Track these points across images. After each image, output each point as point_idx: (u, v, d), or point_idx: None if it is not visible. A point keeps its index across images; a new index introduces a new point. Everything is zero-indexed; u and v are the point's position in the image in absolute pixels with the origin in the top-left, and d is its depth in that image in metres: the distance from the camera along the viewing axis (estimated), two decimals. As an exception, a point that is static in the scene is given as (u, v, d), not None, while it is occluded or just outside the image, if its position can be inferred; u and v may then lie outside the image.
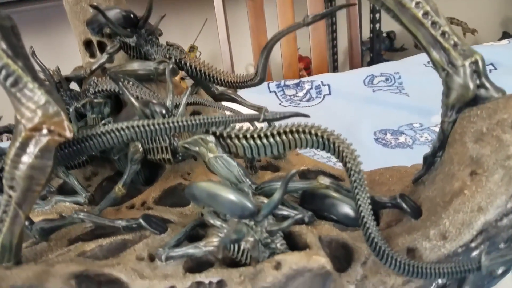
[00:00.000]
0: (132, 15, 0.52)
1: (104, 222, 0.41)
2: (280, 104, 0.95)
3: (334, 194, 0.40)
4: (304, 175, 0.53)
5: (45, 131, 0.30)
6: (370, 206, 0.34)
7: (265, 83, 1.02)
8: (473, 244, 0.32)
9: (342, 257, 0.37)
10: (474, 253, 0.33)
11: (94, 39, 0.59)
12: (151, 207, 0.49)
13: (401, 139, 0.76)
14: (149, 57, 0.53)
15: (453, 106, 0.35)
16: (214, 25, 1.33)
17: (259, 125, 0.44)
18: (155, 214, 0.47)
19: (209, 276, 0.35)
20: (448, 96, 0.35)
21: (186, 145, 0.41)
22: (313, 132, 0.37)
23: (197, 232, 0.40)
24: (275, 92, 0.98)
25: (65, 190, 0.54)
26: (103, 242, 0.41)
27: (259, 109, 0.55)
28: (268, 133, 0.39)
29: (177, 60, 0.51)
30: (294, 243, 0.37)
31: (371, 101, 0.91)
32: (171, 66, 0.48)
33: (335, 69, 2.30)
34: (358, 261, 0.35)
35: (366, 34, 2.11)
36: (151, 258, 0.38)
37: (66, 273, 0.33)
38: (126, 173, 0.45)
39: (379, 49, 2.13)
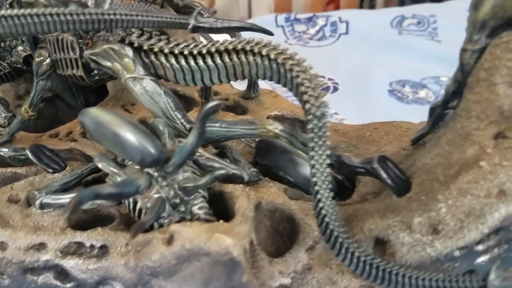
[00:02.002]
0: None
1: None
2: (285, 41, 0.81)
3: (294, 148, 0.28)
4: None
5: None
6: (327, 169, 0.22)
7: (273, 14, 0.88)
8: (480, 247, 0.20)
9: (286, 235, 0.26)
10: (480, 260, 0.21)
11: None
12: (76, 139, 0.39)
13: (422, 93, 0.62)
14: None
15: (483, 24, 0.22)
16: None
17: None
18: (76, 147, 0.36)
19: (92, 238, 0.25)
20: (478, 7, 0.22)
21: (94, 57, 0.30)
22: (264, 53, 0.25)
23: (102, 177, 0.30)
24: (282, 27, 0.84)
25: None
26: (-15, 174, 0.31)
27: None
28: (204, 51, 0.26)
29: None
30: (225, 208, 0.26)
31: (394, 45, 0.76)
32: None
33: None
34: (302, 244, 0.24)
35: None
36: (30, 202, 0.28)
37: None
38: (33, 90, 0.34)
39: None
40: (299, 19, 0.85)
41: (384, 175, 0.24)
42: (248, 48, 0.26)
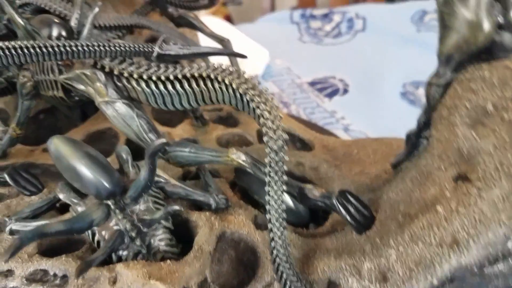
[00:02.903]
0: None
1: (-33, 170, 0.32)
2: (299, 39, 0.79)
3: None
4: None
5: None
6: (282, 206, 0.21)
7: (288, 11, 0.86)
8: (432, 297, 0.19)
9: (250, 266, 0.26)
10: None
11: None
12: (67, 152, 0.39)
13: (434, 96, 0.59)
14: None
15: (448, 58, 0.21)
16: None
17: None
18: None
19: (56, 266, 0.25)
20: (442, 40, 0.20)
21: (68, 81, 0.30)
22: (227, 81, 0.24)
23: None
24: (297, 23, 0.82)
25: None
26: (-32, 194, 0.32)
27: (221, 40, 0.41)
28: (171, 77, 0.26)
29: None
30: (191, 236, 0.26)
31: (411, 43, 0.72)
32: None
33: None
34: (260, 281, 0.23)
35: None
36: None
37: None
38: (19, 110, 0.35)
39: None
40: (315, 16, 0.83)
41: (342, 211, 0.23)
42: (212, 75, 0.25)
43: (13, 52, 0.23)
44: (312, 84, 0.66)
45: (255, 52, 0.69)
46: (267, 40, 0.74)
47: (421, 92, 0.61)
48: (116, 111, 0.29)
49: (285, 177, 0.22)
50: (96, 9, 0.33)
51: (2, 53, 0.23)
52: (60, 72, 0.32)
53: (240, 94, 0.24)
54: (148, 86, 0.27)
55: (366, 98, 0.61)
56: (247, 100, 0.24)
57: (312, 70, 0.70)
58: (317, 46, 0.77)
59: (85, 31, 0.33)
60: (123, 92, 0.29)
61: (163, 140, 0.23)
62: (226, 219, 0.26)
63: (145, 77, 0.27)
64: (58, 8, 0.38)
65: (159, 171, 0.28)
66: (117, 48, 0.25)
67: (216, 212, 0.27)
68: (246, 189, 0.31)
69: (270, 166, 0.22)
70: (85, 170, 0.24)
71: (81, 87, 0.29)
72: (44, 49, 0.23)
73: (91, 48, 0.24)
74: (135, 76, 0.27)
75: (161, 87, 0.27)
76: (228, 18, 1.89)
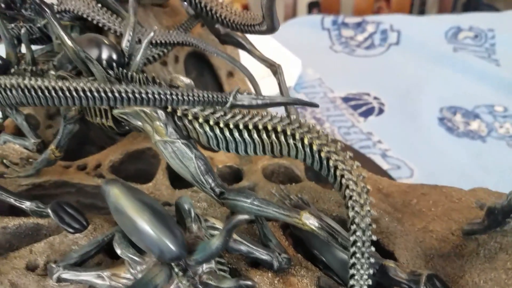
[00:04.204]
0: None
1: (10, 200, 0.30)
2: (330, 47, 0.77)
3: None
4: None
5: None
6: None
7: (320, 16, 0.83)
8: None
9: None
10: None
11: None
12: (103, 175, 0.38)
13: (474, 125, 0.57)
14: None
15: None
16: None
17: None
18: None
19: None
20: None
21: (124, 116, 0.28)
22: (306, 141, 0.23)
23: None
24: (328, 30, 0.79)
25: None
26: (9, 223, 0.31)
27: (271, 65, 0.39)
28: (241, 125, 0.24)
29: (164, -21, 0.36)
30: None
31: (448, 63, 0.70)
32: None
33: (421, 5, 1.93)
34: None
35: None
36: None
37: None
38: (60, 133, 0.33)
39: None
40: (347, 24, 0.80)
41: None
42: (289, 131, 0.23)
43: (81, 94, 0.21)
44: (346, 100, 0.64)
45: (288, 61, 0.67)
46: (298, 47, 0.71)
47: (458, 118, 0.59)
48: (174, 152, 0.27)
49: (372, 259, 0.20)
50: (151, 34, 0.31)
51: (68, 95, 0.21)
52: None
53: (320, 157, 0.23)
54: (212, 130, 0.26)
55: (403, 121, 0.59)
56: (328, 164, 0.22)
57: (345, 83, 0.68)
58: (349, 57, 0.75)
59: (139, 57, 0.30)
60: (182, 132, 0.27)
61: (246, 217, 0.21)
62: (289, 282, 0.25)
63: (211, 122, 0.25)
64: (102, 19, 0.36)
65: (217, 222, 0.26)
66: (191, 98, 0.23)
67: (277, 272, 0.25)
68: (302, 239, 0.29)
69: (355, 245, 0.21)
70: (148, 228, 0.22)
71: (138, 123, 0.28)
72: (116, 94, 0.21)
73: (163, 96, 0.22)
74: (201, 120, 0.26)
75: (227, 133, 0.25)
76: (246, 7, 1.85)
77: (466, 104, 0.62)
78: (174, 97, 0.23)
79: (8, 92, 0.22)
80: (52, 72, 0.36)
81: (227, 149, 0.26)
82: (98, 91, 0.21)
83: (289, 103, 0.27)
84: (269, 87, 0.44)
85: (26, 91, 0.22)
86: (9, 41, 0.35)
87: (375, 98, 0.64)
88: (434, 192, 0.34)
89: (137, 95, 0.22)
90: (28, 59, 0.35)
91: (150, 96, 0.22)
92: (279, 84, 0.39)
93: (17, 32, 0.40)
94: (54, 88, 0.21)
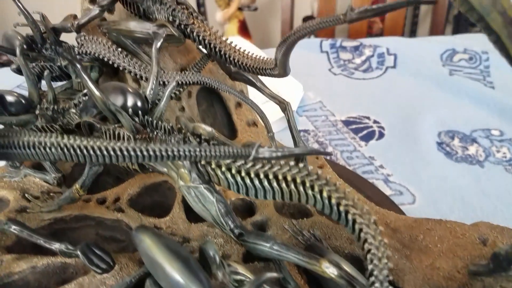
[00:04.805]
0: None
1: (39, 241, 0.32)
2: (329, 70, 0.79)
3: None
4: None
5: None
6: None
7: (318, 39, 0.85)
8: None
9: None
10: None
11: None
12: (123, 209, 0.39)
13: (471, 150, 0.59)
14: (150, 16, 0.39)
15: None
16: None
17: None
18: (123, 219, 0.37)
19: None
20: None
21: (151, 164, 0.30)
22: (325, 193, 0.24)
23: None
24: (327, 53, 0.82)
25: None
26: (38, 263, 0.32)
27: (280, 103, 0.41)
28: (261, 174, 0.26)
29: (182, 26, 0.37)
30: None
31: (445, 87, 0.72)
32: (164, 34, 0.35)
33: (412, 25, 1.97)
34: None
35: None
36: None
37: None
38: (85, 174, 0.34)
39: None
40: (345, 47, 0.82)
41: None
42: (308, 183, 0.25)
43: (119, 153, 0.22)
44: (347, 123, 0.66)
45: (290, 85, 0.69)
46: (298, 69, 0.73)
47: (456, 143, 0.61)
48: (197, 196, 0.29)
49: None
50: (174, 84, 0.33)
51: (106, 154, 0.23)
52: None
53: (338, 209, 0.24)
54: (234, 177, 0.27)
55: (403, 146, 0.61)
56: (346, 216, 0.24)
57: (345, 106, 0.70)
58: (348, 79, 0.77)
59: (162, 103, 0.32)
60: (204, 177, 0.29)
61: (275, 275, 0.23)
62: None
63: (233, 171, 0.27)
64: (122, 63, 0.38)
65: (239, 267, 0.28)
66: (217, 153, 0.25)
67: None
68: (316, 277, 0.31)
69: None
70: (177, 276, 0.24)
71: (164, 169, 0.29)
72: (151, 153, 0.23)
73: (193, 153, 0.24)
74: (223, 168, 0.27)
75: (247, 180, 0.27)
76: (243, 23, 1.88)
77: (464, 128, 0.64)
78: (203, 153, 0.25)
79: (48, 150, 0.24)
80: (73, 110, 0.38)
81: (247, 194, 0.28)
82: (134, 150, 0.23)
83: (305, 154, 0.29)
84: (270, 110, 0.46)
85: (65, 150, 0.23)
86: (32, 81, 0.36)
87: (375, 121, 0.66)
88: (439, 227, 0.36)
89: (169, 153, 0.23)
90: (50, 98, 0.37)
91: (181, 153, 0.24)
92: (288, 120, 0.41)
93: (38, 70, 0.41)
94: (92, 148, 0.23)
